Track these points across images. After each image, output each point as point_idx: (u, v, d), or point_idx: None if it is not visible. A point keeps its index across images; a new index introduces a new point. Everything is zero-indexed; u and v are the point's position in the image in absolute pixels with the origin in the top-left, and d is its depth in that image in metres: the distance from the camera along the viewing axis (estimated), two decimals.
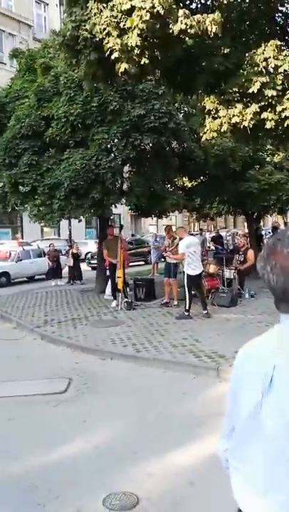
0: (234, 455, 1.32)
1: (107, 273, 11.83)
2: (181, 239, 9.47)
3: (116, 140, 10.59)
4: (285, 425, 1.09)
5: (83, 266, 20.67)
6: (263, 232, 20.29)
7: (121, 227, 11.55)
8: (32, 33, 31.05)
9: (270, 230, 24.43)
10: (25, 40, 28.78)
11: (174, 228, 12.55)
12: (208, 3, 7.70)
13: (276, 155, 15.69)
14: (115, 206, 11.79)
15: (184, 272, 9.13)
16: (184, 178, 15.19)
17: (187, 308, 8.97)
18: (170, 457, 3.93)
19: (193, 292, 9.17)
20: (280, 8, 7.81)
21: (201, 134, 7.89)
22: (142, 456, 3.99)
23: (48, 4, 32.82)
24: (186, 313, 8.96)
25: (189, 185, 15.59)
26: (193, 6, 7.75)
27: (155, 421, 4.70)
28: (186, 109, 12.67)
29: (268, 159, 15.47)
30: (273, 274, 1.14)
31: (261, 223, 20.38)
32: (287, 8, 7.65)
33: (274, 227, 20.74)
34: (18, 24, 30.28)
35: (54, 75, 10.80)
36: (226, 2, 7.02)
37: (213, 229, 36.93)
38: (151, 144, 10.91)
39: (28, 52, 12.81)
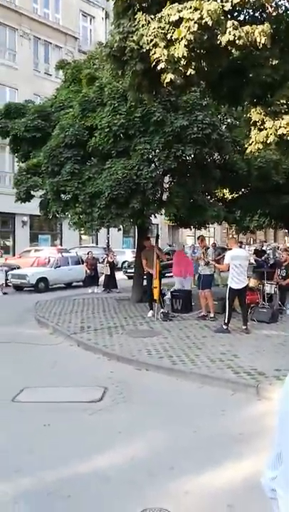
0: (282, 486, 1.22)
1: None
2: (230, 249, 9.31)
3: (158, 151, 10.62)
4: None
5: (120, 275, 20.81)
6: None
7: (157, 237, 11.51)
8: (78, 45, 31.89)
9: None
10: (70, 52, 29.61)
11: (211, 240, 12.35)
12: (257, 14, 7.61)
13: None
14: (155, 216, 11.77)
15: (227, 285, 8.96)
16: (224, 190, 15.05)
17: (226, 321, 8.79)
18: (207, 476, 3.81)
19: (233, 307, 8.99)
20: None
21: (246, 146, 7.76)
22: (178, 472, 3.88)
23: (94, 17, 33.66)
24: (225, 327, 8.78)
25: (230, 197, 15.42)
26: (242, 17, 7.69)
27: (192, 437, 4.58)
28: (229, 120, 12.57)
29: None
30: None
31: None
32: None
33: None
34: (65, 36, 31.19)
35: (99, 86, 10.99)
36: (274, 14, 6.93)
37: (252, 242, 36.34)
38: (193, 155, 10.87)
39: (73, 64, 13.11)
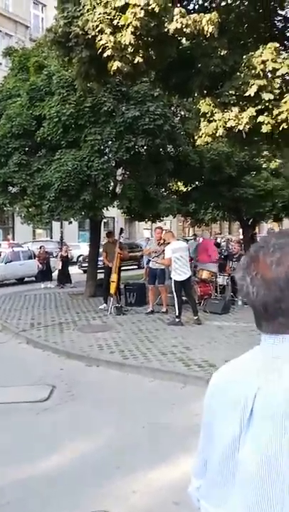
0: (206, 498, 1.10)
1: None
2: (168, 243, 9.24)
3: (109, 142, 10.42)
4: (267, 466, 0.88)
5: (75, 269, 20.46)
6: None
7: (121, 230, 11.30)
8: (29, 33, 30.92)
9: None
10: (21, 41, 28.56)
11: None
12: (206, 4, 7.57)
13: (272, 161, 15.61)
14: (107, 209, 11.58)
15: (171, 278, 8.95)
16: (178, 183, 15.05)
17: (177, 314, 8.77)
18: (155, 473, 3.72)
19: (184, 298, 8.97)
20: (279, 12, 7.68)
21: (196, 138, 7.72)
22: (126, 470, 3.77)
23: (45, 5, 32.70)
24: (177, 320, 8.76)
25: (184, 190, 15.45)
26: (191, 7, 7.61)
27: (141, 433, 4.48)
28: (182, 112, 12.53)
29: (264, 165, 15.38)
30: (253, 286, 0.94)
31: (256, 230, 20.29)
32: (286, 12, 7.53)
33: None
34: (15, 24, 30.15)
35: (47, 74, 10.63)
36: (223, 3, 6.90)
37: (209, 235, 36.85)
38: (145, 147, 10.75)
39: (21, 51, 12.62)
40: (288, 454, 0.85)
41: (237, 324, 8.65)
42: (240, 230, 21.69)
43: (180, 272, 8.74)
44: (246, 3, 7.60)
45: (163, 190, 13.51)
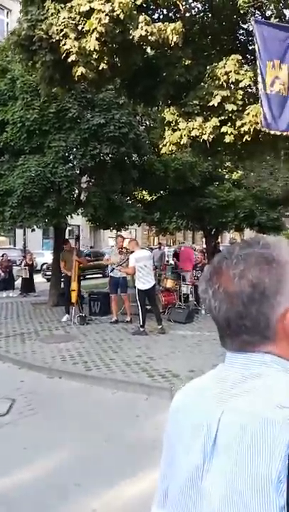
0: None
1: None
2: (132, 252, 9.18)
3: (74, 149, 10.28)
4: (232, 503, 0.79)
5: (39, 277, 20.04)
6: (221, 248, 20.43)
7: (77, 238, 11.12)
8: None
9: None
10: None
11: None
12: (171, 14, 7.61)
13: (234, 172, 15.89)
14: (71, 217, 11.40)
15: (135, 287, 8.88)
16: (143, 192, 15.05)
17: (141, 323, 8.68)
18: (116, 490, 3.59)
19: (148, 307, 8.91)
20: (242, 26, 7.83)
21: (160, 146, 7.71)
22: (86, 488, 3.63)
23: (10, 10, 32.29)
24: (142, 329, 8.67)
25: (149, 199, 15.46)
26: (156, 16, 7.64)
27: (103, 447, 4.34)
28: (147, 122, 12.57)
29: (226, 176, 15.62)
30: (215, 301, 0.87)
31: (219, 239, 20.54)
32: (248, 25, 7.67)
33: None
34: None
35: (10, 79, 10.41)
36: (188, 14, 6.95)
37: (172, 243, 37.07)
38: (110, 154, 10.68)
39: None
40: (254, 491, 0.75)
41: (201, 333, 8.65)
42: (204, 240, 21.95)
43: (144, 281, 8.68)
44: (210, 16, 7.71)
45: (128, 198, 13.47)
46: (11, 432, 4.72)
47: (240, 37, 8.16)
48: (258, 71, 6.24)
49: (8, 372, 6.93)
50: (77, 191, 11.22)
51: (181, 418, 0.95)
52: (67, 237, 14.19)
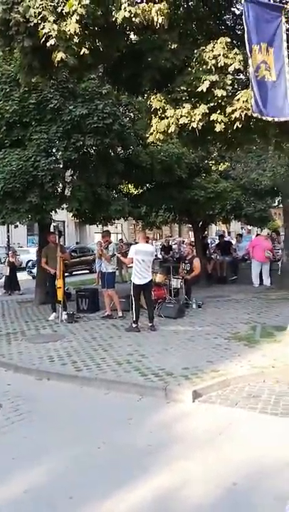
0: None
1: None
2: (136, 243, 9.00)
3: (56, 141, 9.92)
4: None
5: (24, 275, 19.64)
6: (209, 241, 20.25)
7: (60, 233, 10.76)
8: None
9: (215, 239, 24.54)
10: None
11: (118, 236, 11.94)
12: None
13: (221, 164, 15.64)
14: (55, 212, 11.05)
15: (131, 281, 8.63)
16: (129, 185, 14.73)
17: (134, 319, 8.42)
18: (111, 501, 3.35)
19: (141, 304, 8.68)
20: (230, 9, 7.55)
21: (147, 135, 7.41)
22: (78, 501, 3.37)
23: None
24: (134, 325, 8.41)
25: (135, 192, 15.14)
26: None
27: (96, 454, 4.08)
28: (132, 114, 12.22)
29: (213, 168, 15.36)
30: None
31: (206, 232, 20.34)
32: (237, 8, 7.40)
33: (220, 236, 20.78)
34: None
35: None
36: None
37: (159, 237, 36.83)
38: (94, 147, 10.34)
39: None
40: None
41: (193, 328, 8.42)
42: (191, 233, 21.73)
43: (140, 276, 8.43)
44: None
45: (114, 192, 13.14)
46: None
47: (227, 22, 7.89)
48: (248, 54, 5.98)
49: None
50: (61, 185, 10.86)
51: None
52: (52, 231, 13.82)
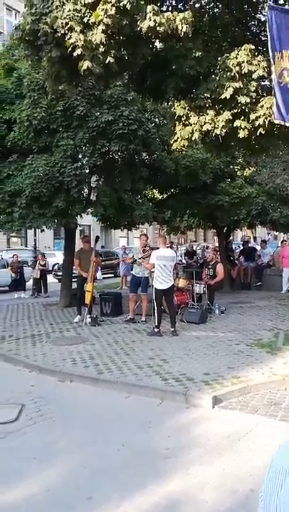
0: None
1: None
2: (156, 248, 9.00)
3: (82, 147, 10.11)
4: None
5: (50, 278, 19.96)
6: (234, 247, 20.11)
7: (97, 238, 10.89)
8: (2, 39, 30.36)
9: (240, 244, 24.35)
10: None
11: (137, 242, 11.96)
12: (180, 6, 7.39)
13: (246, 169, 15.57)
14: (81, 216, 11.23)
15: (152, 286, 8.69)
16: (153, 190, 14.83)
17: (157, 324, 8.47)
18: (130, 503, 3.39)
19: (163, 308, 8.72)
20: (254, 16, 7.57)
21: (171, 142, 7.48)
22: (97, 502, 3.43)
23: (19, 12, 32.27)
24: (156, 330, 8.46)
25: (159, 198, 15.23)
26: (164, 8, 7.42)
27: (116, 456, 4.14)
28: (156, 119, 12.34)
29: (238, 173, 15.31)
30: None
31: (231, 237, 20.22)
32: (262, 14, 7.41)
33: (245, 242, 20.62)
34: None
35: (17, 77, 10.27)
36: (197, 5, 6.72)
37: (184, 242, 36.77)
38: (119, 152, 10.48)
39: None
40: None
41: (215, 334, 8.41)
42: (216, 238, 21.59)
43: (161, 281, 8.47)
44: (220, 6, 7.46)
45: (138, 197, 13.26)
46: (20, 439, 4.55)
47: (252, 28, 7.90)
48: (271, 61, 5.98)
49: (18, 376, 6.77)
50: (86, 190, 11.04)
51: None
52: (78, 237, 14.04)
